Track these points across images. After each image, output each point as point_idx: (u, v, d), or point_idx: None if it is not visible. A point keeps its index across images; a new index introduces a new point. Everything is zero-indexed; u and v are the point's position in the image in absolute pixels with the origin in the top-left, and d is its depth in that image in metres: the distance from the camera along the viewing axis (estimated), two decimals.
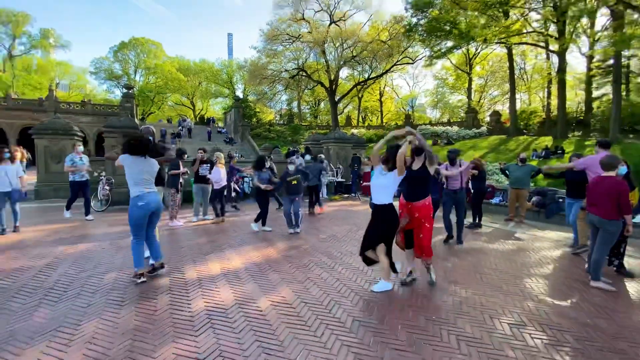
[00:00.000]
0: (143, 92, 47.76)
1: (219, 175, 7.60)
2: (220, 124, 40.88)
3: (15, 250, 5.09)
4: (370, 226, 3.78)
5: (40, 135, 10.92)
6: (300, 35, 34.42)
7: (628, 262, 4.73)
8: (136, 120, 27.94)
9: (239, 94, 48.59)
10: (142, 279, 3.86)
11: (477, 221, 7.68)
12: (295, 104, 53.32)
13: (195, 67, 52.89)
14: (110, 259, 4.71)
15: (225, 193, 8.51)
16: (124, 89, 32.87)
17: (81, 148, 8.11)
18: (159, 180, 5.06)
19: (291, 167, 6.80)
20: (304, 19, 34.53)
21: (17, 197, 6.29)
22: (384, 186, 3.71)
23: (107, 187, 9.32)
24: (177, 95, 52.87)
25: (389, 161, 3.67)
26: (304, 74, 36.47)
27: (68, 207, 7.63)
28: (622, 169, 4.43)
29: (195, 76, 52.25)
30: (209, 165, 7.67)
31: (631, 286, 4.10)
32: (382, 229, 3.68)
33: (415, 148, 3.80)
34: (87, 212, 7.68)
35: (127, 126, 10.61)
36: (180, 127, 30.04)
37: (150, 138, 4.54)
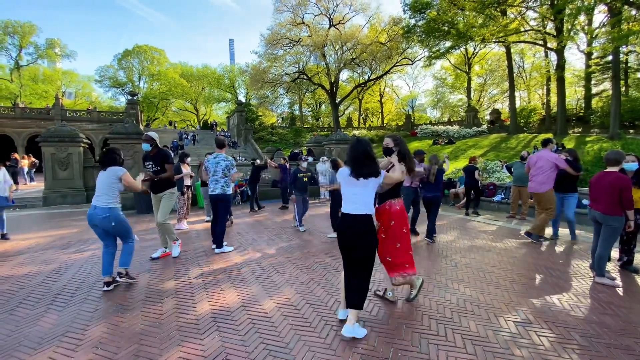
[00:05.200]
0: (147, 99, 48.17)
1: None
2: (224, 128, 41.05)
3: (23, 256, 5.15)
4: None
5: (47, 142, 11.11)
6: (300, 39, 34.57)
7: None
8: (141, 126, 28.17)
9: (242, 98, 48.87)
10: (107, 287, 3.80)
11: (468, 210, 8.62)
12: (296, 106, 53.53)
13: (198, 73, 53.45)
14: (117, 264, 4.73)
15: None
16: (128, 96, 33.09)
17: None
18: (170, 184, 5.04)
19: (304, 165, 7.42)
20: (303, 22, 34.70)
21: (4, 203, 6.20)
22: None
23: None
24: (181, 100, 53.33)
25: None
26: (305, 77, 36.61)
27: (217, 243, 5.40)
28: (633, 165, 4.39)
29: (198, 82, 52.79)
30: None
31: (637, 282, 4.08)
32: None
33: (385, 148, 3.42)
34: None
35: (131, 132, 10.72)
36: (184, 137, 30.38)
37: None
